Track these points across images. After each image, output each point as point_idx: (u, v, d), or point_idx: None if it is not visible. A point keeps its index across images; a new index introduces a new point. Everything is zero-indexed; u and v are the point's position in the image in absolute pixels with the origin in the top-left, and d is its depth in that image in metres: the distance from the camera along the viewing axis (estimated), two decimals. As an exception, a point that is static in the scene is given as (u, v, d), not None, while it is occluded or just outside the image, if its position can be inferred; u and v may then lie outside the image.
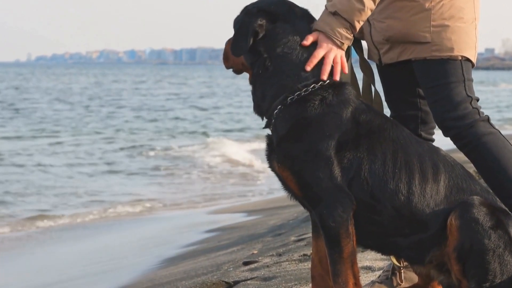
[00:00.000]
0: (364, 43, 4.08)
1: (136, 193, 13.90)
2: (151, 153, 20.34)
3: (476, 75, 4.63)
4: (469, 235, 3.50)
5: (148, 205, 12.63)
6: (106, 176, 16.36)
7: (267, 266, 5.59)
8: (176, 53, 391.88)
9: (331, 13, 3.61)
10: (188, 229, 9.93)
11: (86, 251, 9.16)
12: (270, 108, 3.64)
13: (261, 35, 3.62)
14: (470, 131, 3.80)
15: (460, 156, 3.97)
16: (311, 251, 3.85)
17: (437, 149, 3.70)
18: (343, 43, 3.63)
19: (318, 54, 3.59)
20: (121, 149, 21.34)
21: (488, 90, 59.70)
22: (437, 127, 3.96)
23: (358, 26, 3.64)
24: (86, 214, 11.95)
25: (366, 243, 3.68)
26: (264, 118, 3.71)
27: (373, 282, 4.22)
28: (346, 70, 3.68)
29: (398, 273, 4.16)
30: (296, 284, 4.74)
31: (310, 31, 3.64)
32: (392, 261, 4.13)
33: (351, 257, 3.55)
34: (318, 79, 3.60)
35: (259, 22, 3.61)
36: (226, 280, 5.24)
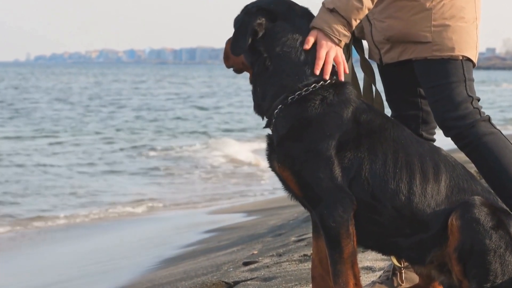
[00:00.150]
0: (365, 43, 4.08)
1: (136, 193, 13.91)
2: (152, 153, 20.33)
3: (477, 75, 4.61)
4: (470, 235, 3.50)
5: (149, 205, 12.63)
6: (106, 176, 16.36)
7: (267, 266, 5.58)
8: (175, 53, 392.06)
9: (329, 10, 3.60)
10: (188, 229, 9.93)
11: (85, 251, 9.16)
12: (270, 108, 3.63)
13: (260, 34, 3.61)
14: (471, 131, 3.80)
15: (461, 156, 3.96)
16: (312, 252, 3.84)
17: (438, 149, 3.69)
18: (340, 41, 3.62)
19: (321, 54, 3.59)
20: (121, 149, 21.33)
21: (489, 89, 59.71)
22: (438, 127, 3.95)
23: (354, 24, 3.64)
24: (86, 214, 11.95)
25: (367, 244, 3.67)
26: (265, 117, 3.70)
27: (373, 283, 4.22)
28: (347, 69, 3.67)
29: (398, 274, 4.15)
30: (296, 285, 4.73)
31: (310, 30, 3.63)
32: (392, 261, 4.12)
33: (351, 257, 3.54)
34: (318, 78, 3.59)
35: (258, 21, 3.60)
36: (226, 280, 5.23)
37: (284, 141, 3.58)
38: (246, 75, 3.77)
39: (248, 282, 5.12)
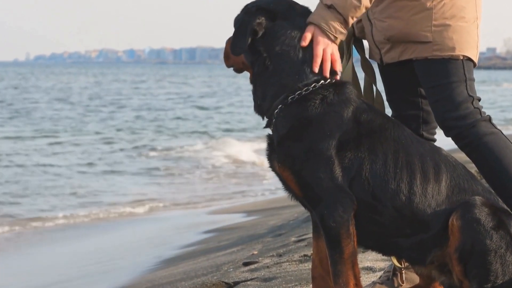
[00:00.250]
0: (365, 43, 4.07)
1: (136, 193, 13.90)
2: (152, 153, 20.32)
3: (477, 74, 4.60)
4: (471, 235, 3.49)
5: (149, 205, 12.63)
6: (106, 176, 16.35)
7: (267, 266, 5.58)
8: (175, 53, 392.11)
9: (327, 6, 3.59)
10: (188, 230, 9.92)
11: (85, 252, 9.16)
12: (270, 108, 3.63)
13: (260, 33, 3.60)
14: (472, 131, 3.79)
15: (462, 156, 3.95)
16: (312, 252, 3.84)
17: (438, 149, 3.69)
18: (336, 38, 3.62)
19: (318, 51, 3.58)
20: (121, 149, 21.32)
21: (490, 89, 59.70)
22: (438, 127, 3.94)
23: (351, 22, 3.63)
24: (86, 214, 11.94)
25: (367, 244, 3.67)
26: (265, 117, 3.69)
27: (374, 283, 4.21)
28: (340, 67, 3.66)
29: (399, 274, 4.15)
30: (296, 285, 4.73)
31: (307, 25, 3.62)
32: (393, 261, 4.12)
33: (352, 257, 3.54)
34: (318, 78, 3.59)
35: (257, 20, 3.60)
36: (226, 280, 5.23)
37: (284, 141, 3.58)
38: (246, 74, 3.76)
39: (248, 282, 5.12)
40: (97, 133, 25.71)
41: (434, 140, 4.06)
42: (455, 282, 3.59)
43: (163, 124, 29.85)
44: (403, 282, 4.13)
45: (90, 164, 18.04)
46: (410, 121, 3.97)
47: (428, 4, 3.80)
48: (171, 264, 7.41)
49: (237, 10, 3.74)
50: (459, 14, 3.81)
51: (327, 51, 3.59)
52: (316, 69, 3.58)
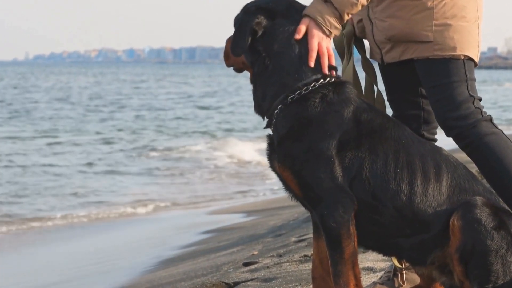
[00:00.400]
0: (366, 42, 4.06)
1: (137, 194, 13.90)
2: (153, 154, 20.30)
3: (478, 74, 4.60)
4: (472, 235, 3.49)
5: (149, 205, 12.63)
6: (106, 176, 16.34)
7: (268, 267, 5.57)
8: (175, 52, 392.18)
9: (324, 0, 3.58)
10: (188, 230, 9.92)
11: (85, 252, 9.16)
12: (270, 108, 3.62)
13: (259, 33, 3.59)
14: (473, 131, 3.78)
15: (463, 156, 3.95)
16: (312, 252, 3.84)
17: (439, 149, 3.68)
18: (331, 32, 3.61)
19: (313, 45, 3.57)
20: (122, 149, 21.30)
21: (491, 89, 59.67)
22: (439, 127, 3.93)
23: (346, 18, 3.63)
24: (86, 215, 11.94)
25: (368, 244, 3.66)
26: (265, 118, 3.68)
27: (374, 283, 4.21)
28: (333, 61, 3.65)
29: (399, 274, 4.14)
30: (296, 285, 4.72)
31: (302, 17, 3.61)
32: (393, 262, 4.11)
33: (352, 258, 3.53)
34: (318, 77, 3.57)
35: (256, 20, 3.59)
36: (226, 281, 5.22)
37: (284, 141, 3.57)
38: (247, 74, 3.75)
39: (248, 282, 5.11)
40: (97, 133, 25.70)
41: (435, 140, 4.06)
42: (456, 283, 3.58)
43: (163, 124, 29.85)
44: (403, 283, 4.12)
45: (90, 164, 18.04)
46: (411, 121, 3.96)
47: (429, 3, 3.79)
48: (170, 265, 7.40)
49: (237, 10, 3.74)
50: (460, 13, 3.80)
51: (322, 45, 3.58)
52: (312, 63, 3.57)
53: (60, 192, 14.16)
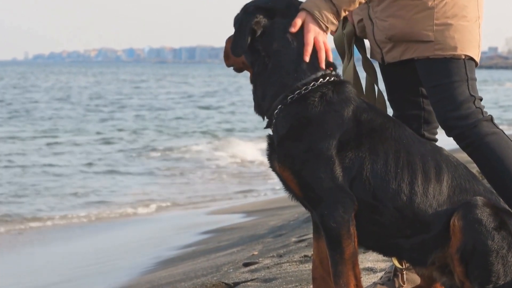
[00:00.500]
0: (366, 42, 4.05)
1: (137, 194, 13.90)
2: (154, 153, 20.28)
3: (479, 74, 4.60)
4: (472, 236, 3.48)
5: (150, 205, 12.63)
6: (107, 176, 16.34)
7: (268, 267, 5.56)
8: (175, 52, 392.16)
9: None
10: (188, 230, 9.91)
11: (84, 252, 9.16)
12: (270, 108, 3.61)
13: (258, 32, 3.58)
14: (473, 131, 3.77)
15: (463, 156, 3.94)
16: (312, 252, 3.83)
17: (440, 149, 3.67)
18: (328, 28, 3.60)
19: (309, 39, 3.56)
20: (122, 149, 21.29)
21: (492, 89, 59.63)
22: (440, 126, 3.92)
23: (343, 15, 3.62)
24: (85, 215, 11.93)
25: (368, 244, 3.66)
26: (265, 118, 3.67)
27: (375, 284, 4.20)
28: (330, 56, 3.63)
29: (400, 275, 4.14)
30: (297, 286, 4.71)
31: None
32: (394, 262, 4.10)
33: (352, 258, 3.52)
34: (317, 76, 3.56)
35: (255, 19, 3.58)
36: (226, 281, 5.21)
37: (284, 141, 3.56)
38: (247, 74, 3.74)
39: (248, 283, 5.10)
40: (98, 133, 25.68)
41: (436, 140, 4.05)
42: (456, 283, 3.57)
43: (164, 124, 29.83)
44: (404, 283, 4.12)
45: (90, 164, 18.03)
46: (411, 121, 3.95)
47: (430, 3, 3.78)
48: (170, 265, 7.40)
49: (237, 9, 3.73)
50: (460, 13, 3.79)
51: (319, 39, 3.57)
52: (307, 58, 3.55)
53: (60, 192, 14.16)
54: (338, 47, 4.03)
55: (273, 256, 6.12)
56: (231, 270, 5.90)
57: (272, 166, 3.65)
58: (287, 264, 5.51)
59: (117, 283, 6.88)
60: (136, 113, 34.63)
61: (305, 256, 5.63)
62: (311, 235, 5.04)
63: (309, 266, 5.10)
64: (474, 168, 4.01)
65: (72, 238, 10.29)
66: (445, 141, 4.09)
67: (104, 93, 51.63)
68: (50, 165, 17.75)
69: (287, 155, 3.55)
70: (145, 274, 7.19)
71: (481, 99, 3.83)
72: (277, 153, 3.58)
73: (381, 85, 4.04)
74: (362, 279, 3.62)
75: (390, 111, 3.94)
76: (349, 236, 3.49)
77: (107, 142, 23.11)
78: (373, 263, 5.04)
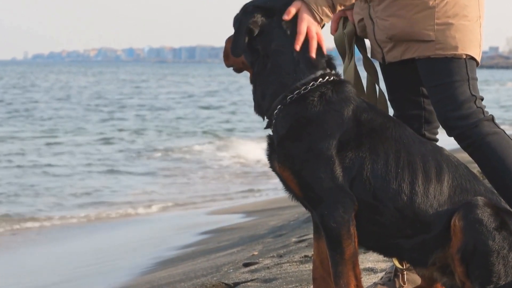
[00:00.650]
0: (367, 42, 4.04)
1: (137, 194, 13.91)
2: (154, 154, 20.26)
3: (480, 74, 4.60)
4: (473, 236, 3.48)
5: (150, 205, 12.63)
6: (106, 176, 16.33)
7: (268, 267, 5.55)
8: (175, 51, 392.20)
9: None
10: (188, 230, 9.91)
11: (84, 252, 9.16)
12: (270, 108, 3.60)
13: (256, 32, 3.57)
14: (474, 130, 3.76)
15: (464, 156, 3.93)
16: (313, 253, 3.83)
17: (440, 149, 3.67)
18: (322, 20, 3.59)
19: (302, 28, 3.55)
20: (123, 149, 21.28)
21: (494, 89, 59.61)
22: (440, 126, 3.91)
23: (338, 9, 3.62)
24: (85, 215, 11.94)
25: (368, 245, 3.65)
26: (265, 118, 3.66)
27: (375, 284, 4.20)
28: (324, 47, 3.62)
29: (400, 275, 4.13)
30: (297, 286, 4.71)
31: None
32: (394, 263, 4.09)
33: (352, 258, 3.52)
34: (317, 75, 3.55)
35: (253, 19, 3.56)
36: (226, 281, 5.21)
37: (284, 141, 3.56)
38: (247, 73, 3.73)
39: (248, 283, 5.09)
40: (98, 133, 25.67)
41: (436, 140, 4.04)
42: (457, 284, 3.57)
43: (164, 124, 29.82)
44: (404, 283, 4.11)
45: (90, 164, 18.02)
46: (412, 121, 3.94)
47: (431, 2, 3.77)
48: (170, 265, 7.39)
49: (237, 9, 3.72)
50: (461, 12, 3.78)
51: (312, 29, 3.56)
52: (298, 47, 3.54)
53: (60, 192, 14.16)
54: (338, 47, 4.03)
55: (273, 256, 6.11)
56: (231, 270, 5.89)
57: (272, 166, 3.65)
58: (287, 264, 5.50)
59: (117, 283, 6.88)
60: (136, 113, 34.62)
61: (305, 256, 5.62)
62: (311, 235, 5.03)
63: (309, 266, 5.10)
64: (475, 168, 4.00)
65: (72, 238, 10.29)
66: (446, 141, 4.09)
67: (104, 93, 51.63)
68: (50, 165, 17.75)
69: (287, 155, 3.54)
70: (145, 274, 7.19)
71: (482, 99, 3.82)
72: (277, 153, 3.58)
73: (382, 84, 4.03)
74: (362, 279, 3.62)
75: (391, 111, 3.94)
76: (349, 236, 3.49)
77: (107, 142, 23.10)
78: (373, 264, 5.03)
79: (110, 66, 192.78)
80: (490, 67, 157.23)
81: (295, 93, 3.54)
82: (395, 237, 3.56)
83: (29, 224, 11.29)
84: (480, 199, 3.53)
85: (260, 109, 3.65)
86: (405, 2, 3.79)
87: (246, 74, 3.75)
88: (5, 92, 50.27)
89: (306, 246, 6.23)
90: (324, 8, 3.58)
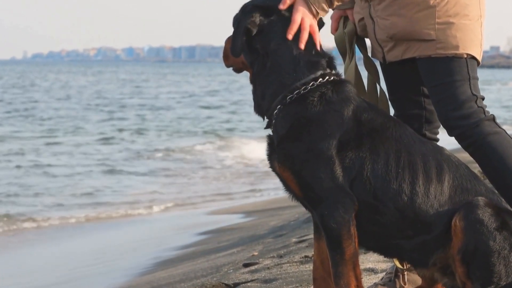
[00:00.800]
0: (367, 41, 4.03)
1: (137, 194, 13.90)
2: (155, 154, 20.26)
3: (481, 73, 4.59)
4: (474, 236, 3.47)
5: (149, 205, 12.63)
6: (106, 176, 16.33)
7: (268, 268, 5.55)
8: (175, 51, 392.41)
9: None
10: (188, 230, 9.90)
11: (83, 252, 9.16)
12: (270, 108, 3.59)
13: (254, 31, 3.56)
14: (475, 130, 3.75)
15: (465, 156, 3.92)
16: (313, 253, 3.82)
17: (441, 149, 3.66)
18: (318, 13, 3.59)
19: (296, 18, 3.55)
20: (123, 149, 21.28)
21: (495, 88, 59.60)
22: (441, 126, 3.90)
23: (335, 4, 3.61)
24: (84, 215, 11.94)
25: (368, 245, 3.65)
26: (265, 118, 3.65)
27: (376, 284, 4.19)
28: (317, 40, 3.61)
29: (401, 275, 4.13)
30: (297, 286, 4.71)
31: None
32: (395, 263, 4.08)
33: (353, 258, 3.51)
34: (317, 75, 3.54)
35: (251, 19, 3.56)
36: (226, 282, 5.20)
37: (284, 141, 3.55)
38: (248, 73, 3.72)
39: (249, 283, 5.09)
40: (98, 133, 25.66)
41: (437, 140, 4.03)
42: (458, 284, 3.57)
43: (165, 123, 29.81)
44: (405, 284, 4.11)
45: (91, 165, 18.02)
46: (412, 121, 3.94)
47: (432, 1, 3.76)
48: (170, 265, 7.39)
49: (237, 8, 3.70)
50: (462, 12, 3.77)
51: (306, 20, 3.56)
52: (290, 36, 3.52)
53: (60, 192, 14.15)
54: (339, 46, 4.02)
55: (273, 257, 6.11)
56: (231, 270, 5.88)
57: (272, 166, 3.64)
58: (288, 264, 5.50)
59: (116, 284, 6.87)
60: (136, 113, 34.62)
61: (305, 256, 5.62)
62: (311, 236, 5.02)
63: (309, 266, 5.09)
64: (475, 168, 3.99)
65: (72, 238, 10.29)
66: (446, 140, 4.08)
67: (104, 93, 51.65)
68: (50, 165, 17.74)
69: (287, 155, 3.53)
70: (145, 274, 7.18)
71: (483, 98, 3.81)
72: (277, 153, 3.57)
73: (383, 84, 4.02)
74: (363, 279, 3.61)
75: (392, 111, 3.93)
76: (349, 237, 3.48)
77: (107, 142, 23.09)
78: (374, 264, 5.03)
79: (109, 65, 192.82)
80: (491, 66, 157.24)
81: (295, 93, 3.53)
82: (395, 237, 3.56)
83: (29, 224, 11.29)
84: (481, 199, 3.52)
85: (260, 109, 3.65)
86: (406, 1, 3.78)
87: (246, 74, 3.74)
88: (4, 92, 50.29)
89: (307, 246, 6.23)
90: (321, 1, 3.58)
